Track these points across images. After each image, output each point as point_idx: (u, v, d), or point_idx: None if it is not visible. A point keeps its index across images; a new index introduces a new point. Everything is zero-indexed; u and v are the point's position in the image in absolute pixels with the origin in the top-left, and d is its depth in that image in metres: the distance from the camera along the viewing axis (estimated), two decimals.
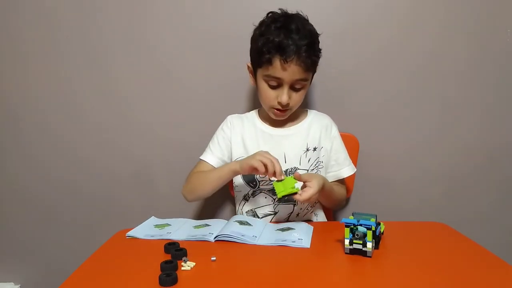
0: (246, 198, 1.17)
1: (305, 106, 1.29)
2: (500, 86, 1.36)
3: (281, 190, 0.97)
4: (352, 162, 1.21)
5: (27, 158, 1.44)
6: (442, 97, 1.36)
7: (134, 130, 1.41)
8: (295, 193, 0.96)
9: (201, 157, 1.19)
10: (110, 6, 1.34)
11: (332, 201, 1.17)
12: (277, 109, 1.10)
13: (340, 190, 1.18)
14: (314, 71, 1.11)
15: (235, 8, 1.32)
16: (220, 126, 1.23)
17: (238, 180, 1.16)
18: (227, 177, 1.08)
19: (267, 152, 1.00)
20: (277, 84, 1.06)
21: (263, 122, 1.20)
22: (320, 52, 1.09)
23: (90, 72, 1.38)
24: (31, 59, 1.38)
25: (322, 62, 1.12)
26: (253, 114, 1.24)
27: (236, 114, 1.26)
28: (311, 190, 0.95)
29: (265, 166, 0.96)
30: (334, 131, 1.20)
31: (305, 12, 1.12)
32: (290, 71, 1.02)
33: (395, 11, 1.32)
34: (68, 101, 1.40)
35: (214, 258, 0.81)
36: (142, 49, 1.36)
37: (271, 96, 1.08)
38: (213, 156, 1.18)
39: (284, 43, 1.00)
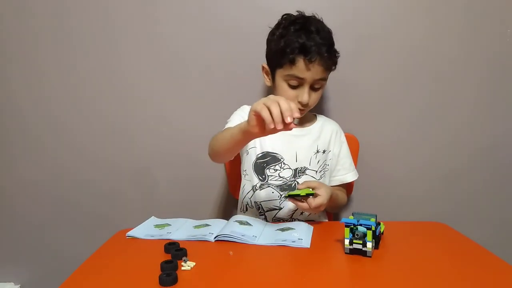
0: (253, 189, 1.16)
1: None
2: (502, 86, 1.36)
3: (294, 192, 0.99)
4: (353, 161, 1.25)
5: (28, 159, 1.44)
6: (443, 97, 1.37)
7: (134, 130, 1.41)
8: (309, 195, 0.97)
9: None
10: (119, 5, 1.34)
11: (335, 208, 1.23)
12: None
13: (342, 196, 1.22)
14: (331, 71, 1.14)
15: (244, 6, 1.32)
16: (236, 112, 1.19)
17: (249, 169, 1.17)
18: (238, 137, 0.92)
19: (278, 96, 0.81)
20: (298, 84, 1.08)
21: None
22: (338, 53, 1.13)
23: (92, 71, 1.38)
24: (41, 58, 1.38)
25: None
26: None
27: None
28: (321, 198, 0.98)
29: (269, 109, 0.78)
30: (343, 137, 1.25)
31: (304, 11, 1.12)
32: (314, 71, 1.05)
33: (395, 11, 1.32)
34: (67, 100, 1.40)
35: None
36: (147, 47, 1.36)
37: (291, 96, 1.09)
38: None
39: (307, 44, 1.03)
